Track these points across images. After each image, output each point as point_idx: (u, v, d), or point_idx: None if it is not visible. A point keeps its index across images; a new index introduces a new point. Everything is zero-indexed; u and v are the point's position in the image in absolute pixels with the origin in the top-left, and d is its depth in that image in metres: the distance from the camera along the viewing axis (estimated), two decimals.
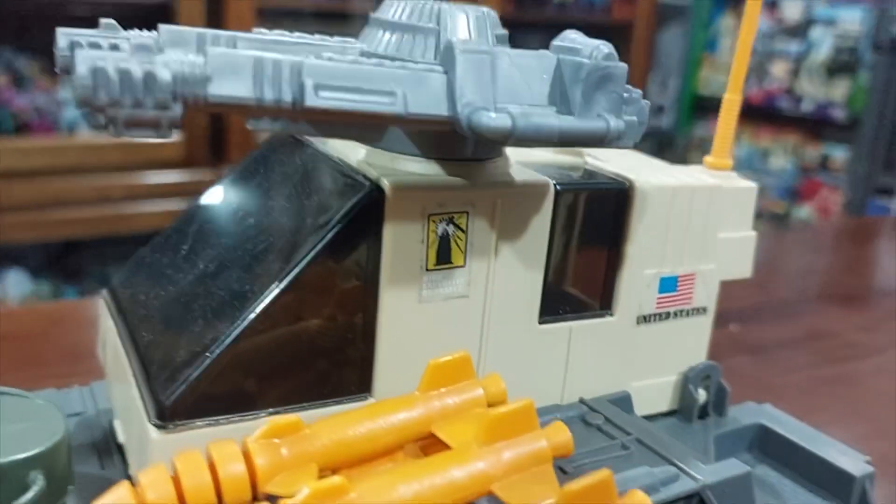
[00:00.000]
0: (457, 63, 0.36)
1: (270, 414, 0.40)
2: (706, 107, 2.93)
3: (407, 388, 0.40)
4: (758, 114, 2.69)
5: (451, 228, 0.43)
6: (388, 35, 0.42)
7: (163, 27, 0.40)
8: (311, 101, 0.33)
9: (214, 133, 1.81)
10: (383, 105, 0.35)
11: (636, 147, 0.43)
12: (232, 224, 0.47)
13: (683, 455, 0.44)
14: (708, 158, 0.57)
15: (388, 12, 0.43)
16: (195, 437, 0.38)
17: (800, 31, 2.66)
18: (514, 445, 0.35)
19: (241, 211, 0.48)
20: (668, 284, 0.52)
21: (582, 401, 0.50)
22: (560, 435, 0.36)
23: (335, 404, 0.42)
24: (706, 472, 0.42)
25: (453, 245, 0.43)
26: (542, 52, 0.40)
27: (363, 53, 0.43)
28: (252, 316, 0.39)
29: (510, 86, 0.38)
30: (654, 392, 0.54)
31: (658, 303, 0.52)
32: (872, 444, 0.70)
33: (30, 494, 0.35)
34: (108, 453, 0.47)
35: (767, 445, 0.54)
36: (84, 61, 0.30)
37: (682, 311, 0.53)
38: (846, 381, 0.84)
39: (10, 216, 1.63)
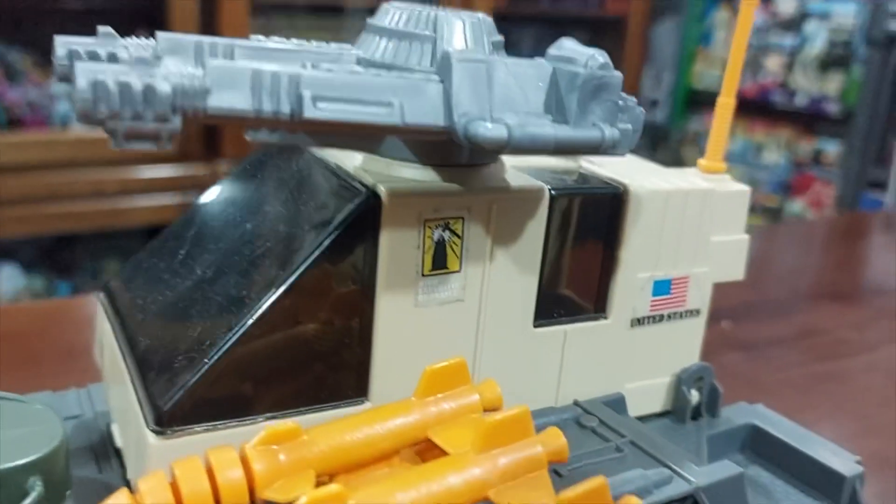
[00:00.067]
0: (453, 72, 0.37)
1: (268, 419, 0.41)
2: (700, 101, 2.93)
3: (403, 391, 0.40)
4: (751, 108, 2.69)
5: (446, 234, 0.43)
6: (384, 42, 0.43)
7: (160, 35, 0.40)
8: (310, 112, 0.33)
9: (208, 128, 1.80)
10: (381, 116, 0.35)
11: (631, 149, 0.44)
12: (229, 229, 0.47)
13: (677, 457, 0.44)
14: (702, 161, 0.57)
15: (384, 19, 0.43)
16: (193, 443, 0.38)
17: (794, 24, 2.66)
18: (509, 452, 0.35)
19: (238, 216, 0.48)
20: (662, 287, 0.52)
21: (576, 403, 0.50)
22: (555, 441, 0.36)
23: (332, 408, 0.42)
24: (699, 474, 0.43)
25: (449, 250, 0.44)
26: (538, 60, 0.41)
27: (360, 60, 0.43)
28: (250, 321, 0.40)
29: (506, 95, 0.38)
30: (647, 393, 0.54)
31: (652, 305, 0.52)
32: (863, 442, 0.71)
33: (28, 500, 0.36)
34: (106, 457, 0.47)
35: (759, 446, 0.55)
36: (84, 74, 0.30)
37: (675, 314, 0.53)
38: (837, 379, 0.84)
39: (2, 211, 1.62)
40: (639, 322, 0.52)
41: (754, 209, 2.44)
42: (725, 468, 0.44)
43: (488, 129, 0.36)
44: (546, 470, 0.35)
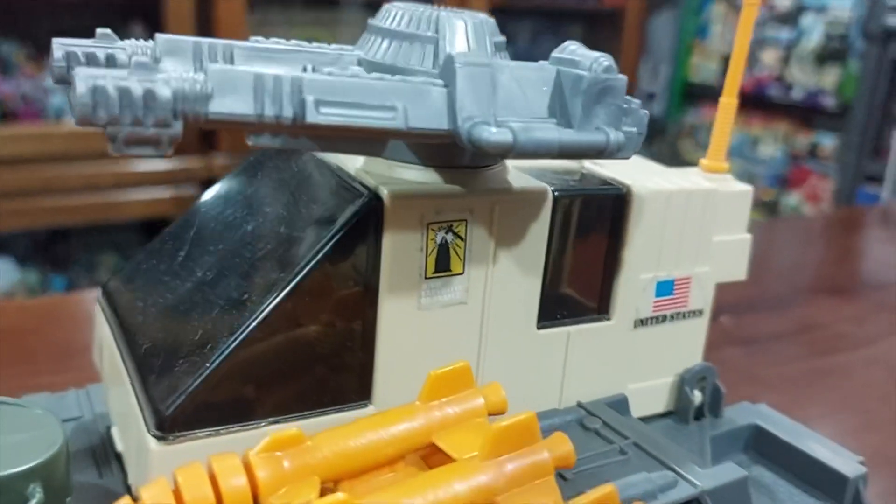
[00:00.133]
0: (457, 76, 0.36)
1: (271, 423, 0.40)
2: (697, 94, 2.93)
3: (406, 395, 0.40)
4: (748, 101, 2.69)
5: (449, 237, 0.43)
6: (385, 43, 0.42)
7: (159, 37, 0.40)
8: (313, 117, 0.33)
9: None
10: (384, 120, 0.35)
11: None
12: (229, 230, 0.47)
13: (681, 460, 0.44)
14: (704, 161, 0.57)
15: (385, 20, 0.43)
16: (195, 448, 0.38)
17: (790, 18, 2.65)
18: (516, 458, 0.35)
19: (239, 217, 0.47)
20: (665, 288, 0.52)
21: (579, 404, 0.50)
22: (562, 446, 0.36)
23: (335, 412, 0.42)
24: (704, 478, 0.43)
25: (452, 253, 0.43)
26: (542, 63, 0.40)
27: (361, 61, 0.43)
28: (252, 325, 0.39)
29: (510, 98, 0.38)
30: (650, 394, 0.54)
31: (655, 306, 0.52)
32: (864, 438, 0.71)
33: None
34: (106, 461, 0.46)
35: (762, 446, 0.55)
36: (83, 80, 0.30)
37: (678, 314, 0.53)
38: (837, 374, 0.84)
39: None
40: (642, 323, 0.52)
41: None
42: (730, 471, 0.44)
43: (492, 134, 0.35)
44: (553, 476, 0.35)
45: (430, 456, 0.38)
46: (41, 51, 1.75)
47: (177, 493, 0.33)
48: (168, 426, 0.38)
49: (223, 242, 0.46)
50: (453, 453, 0.36)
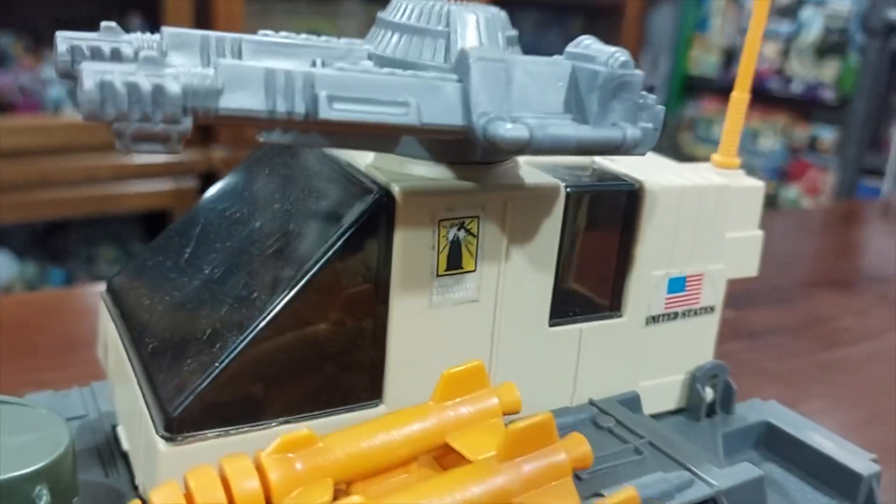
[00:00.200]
0: (471, 72, 0.36)
1: (281, 423, 0.40)
2: (696, 87, 2.92)
3: (418, 393, 0.39)
4: None
5: (461, 234, 0.42)
6: (396, 37, 0.41)
7: (166, 30, 0.39)
8: (325, 113, 0.32)
9: None
10: (398, 116, 0.34)
11: None
12: (236, 227, 0.46)
13: (697, 459, 0.44)
14: (715, 157, 0.56)
15: (395, 13, 0.42)
16: (204, 449, 0.38)
17: (790, 11, 2.65)
18: (533, 459, 0.34)
19: (246, 214, 0.47)
20: (677, 285, 0.51)
21: (592, 402, 0.49)
22: (579, 447, 0.35)
23: (346, 411, 0.42)
24: (720, 477, 0.42)
25: (464, 250, 0.43)
26: (557, 58, 0.40)
27: (370, 56, 0.42)
28: (262, 323, 0.39)
29: (524, 94, 0.37)
30: (661, 391, 0.54)
31: (667, 303, 0.51)
32: (870, 431, 0.71)
33: None
34: (112, 460, 0.46)
35: (774, 443, 0.54)
36: (91, 75, 0.29)
37: (690, 311, 0.53)
38: (841, 367, 0.84)
39: None
40: (654, 320, 0.51)
41: None
42: (746, 471, 0.43)
43: (508, 130, 0.35)
44: (571, 477, 0.35)
45: (444, 457, 0.38)
46: (39, 42, 1.74)
47: (188, 497, 0.33)
48: (177, 427, 0.37)
49: (230, 239, 0.45)
50: (468, 454, 0.36)
